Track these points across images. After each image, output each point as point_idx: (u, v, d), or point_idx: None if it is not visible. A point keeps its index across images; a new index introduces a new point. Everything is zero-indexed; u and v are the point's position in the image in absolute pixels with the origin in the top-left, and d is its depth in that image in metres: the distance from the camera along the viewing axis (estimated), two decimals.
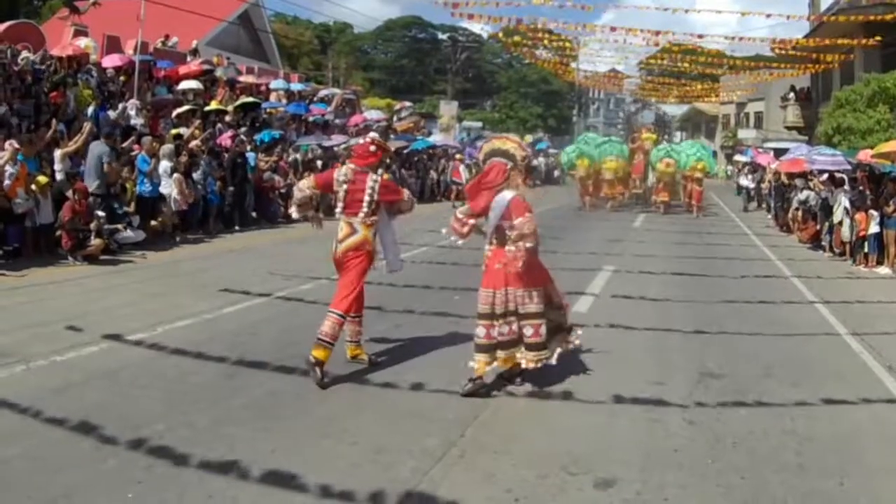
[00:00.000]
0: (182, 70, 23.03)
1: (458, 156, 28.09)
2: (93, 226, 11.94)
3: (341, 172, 6.47)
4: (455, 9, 24.94)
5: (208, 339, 7.26)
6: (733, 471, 4.68)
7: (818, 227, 17.09)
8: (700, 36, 30.36)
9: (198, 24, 29.85)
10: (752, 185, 29.77)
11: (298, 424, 5.22)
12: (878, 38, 25.17)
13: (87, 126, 13.73)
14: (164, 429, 4.96)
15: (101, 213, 12.43)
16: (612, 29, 29.34)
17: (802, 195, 18.86)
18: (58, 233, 11.62)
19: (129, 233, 12.97)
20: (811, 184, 18.76)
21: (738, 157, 39.80)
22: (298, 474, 4.37)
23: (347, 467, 4.53)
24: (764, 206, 27.04)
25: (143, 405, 5.44)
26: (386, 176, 6.58)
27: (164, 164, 14.66)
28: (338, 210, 6.40)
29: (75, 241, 11.54)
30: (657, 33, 30.10)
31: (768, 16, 61.19)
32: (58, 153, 12.72)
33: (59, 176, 12.60)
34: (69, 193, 11.88)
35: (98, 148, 13.00)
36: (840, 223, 15.27)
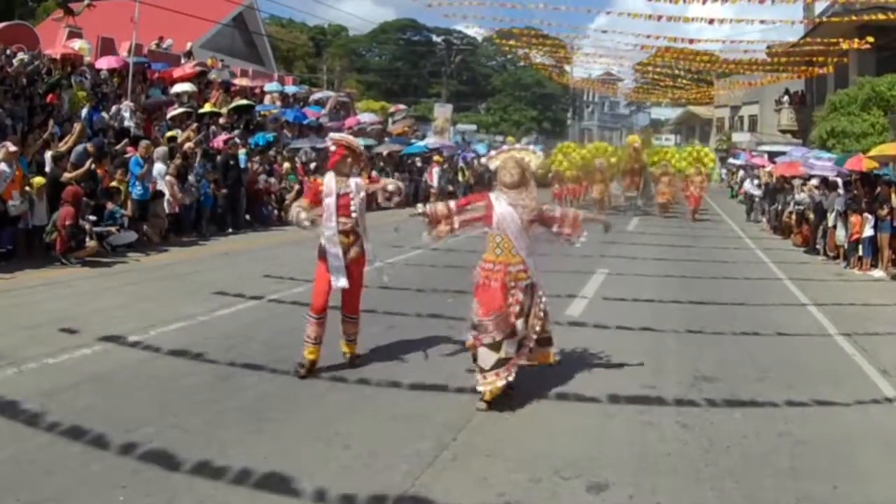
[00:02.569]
0: (176, 72, 23.04)
1: (435, 157, 27.67)
2: (87, 227, 11.92)
3: None
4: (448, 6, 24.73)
5: (201, 342, 7.23)
6: (727, 474, 4.67)
7: (812, 230, 17.11)
8: (692, 41, 29.90)
9: (192, 26, 29.84)
10: (758, 193, 26.65)
11: (291, 427, 5.20)
12: (871, 40, 25.26)
13: (76, 127, 13.67)
14: (155, 432, 4.93)
15: (92, 217, 12.41)
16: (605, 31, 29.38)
17: (798, 197, 18.87)
18: (52, 235, 11.55)
19: (121, 234, 12.94)
20: (805, 187, 18.78)
21: (731, 161, 39.89)
22: (290, 478, 4.35)
23: (339, 471, 4.51)
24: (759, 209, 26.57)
25: (135, 408, 5.41)
26: (319, 179, 6.55)
27: (159, 167, 14.63)
28: None
29: (70, 244, 11.49)
30: (648, 37, 30.13)
31: (762, 22, 61.17)
32: (48, 154, 12.67)
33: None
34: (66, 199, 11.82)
35: (77, 148, 13.12)
36: (834, 227, 15.30)
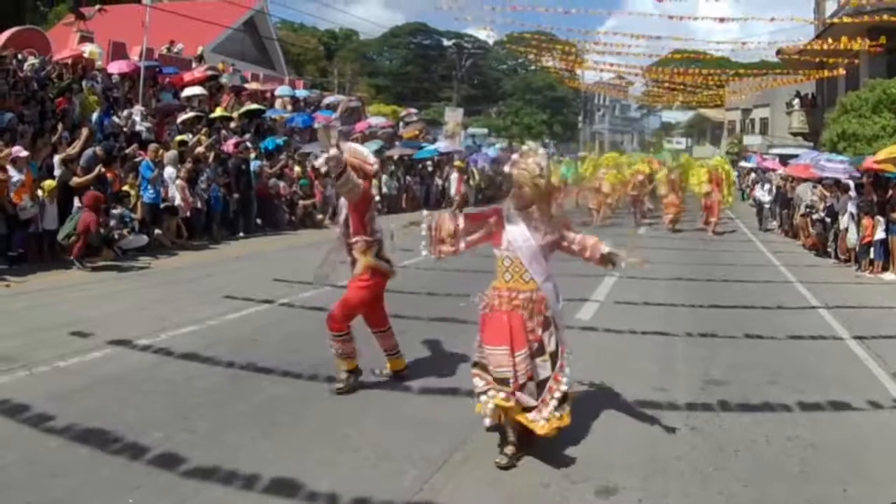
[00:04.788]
0: (187, 76, 23.12)
1: (456, 163, 27.55)
2: (113, 224, 12.04)
3: None
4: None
5: (212, 346, 7.26)
6: (736, 478, 4.64)
7: (825, 232, 17.01)
8: (705, 42, 29.90)
9: (203, 30, 30.01)
10: (768, 199, 24.86)
11: (300, 431, 5.21)
12: (883, 42, 25.11)
13: (84, 132, 13.74)
14: (165, 435, 4.95)
15: (116, 211, 12.50)
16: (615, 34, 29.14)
17: (810, 198, 18.72)
18: (71, 238, 11.55)
19: (132, 238, 12.99)
20: (816, 189, 18.66)
21: (742, 164, 39.72)
22: (299, 482, 4.35)
23: (349, 474, 4.51)
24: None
25: (146, 411, 5.43)
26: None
27: (169, 171, 14.70)
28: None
29: (87, 249, 11.54)
30: (659, 38, 29.96)
31: (771, 20, 60.96)
32: (57, 158, 12.76)
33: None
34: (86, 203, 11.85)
35: (87, 152, 13.19)
36: (846, 229, 15.23)
